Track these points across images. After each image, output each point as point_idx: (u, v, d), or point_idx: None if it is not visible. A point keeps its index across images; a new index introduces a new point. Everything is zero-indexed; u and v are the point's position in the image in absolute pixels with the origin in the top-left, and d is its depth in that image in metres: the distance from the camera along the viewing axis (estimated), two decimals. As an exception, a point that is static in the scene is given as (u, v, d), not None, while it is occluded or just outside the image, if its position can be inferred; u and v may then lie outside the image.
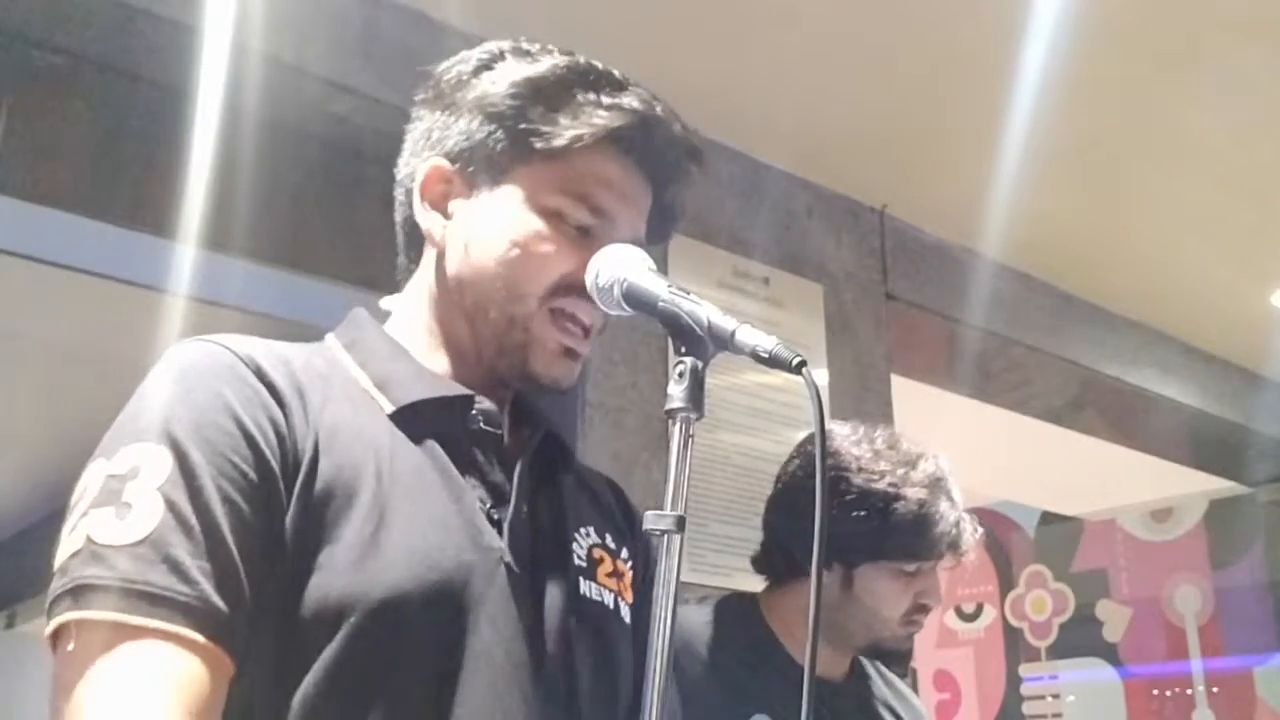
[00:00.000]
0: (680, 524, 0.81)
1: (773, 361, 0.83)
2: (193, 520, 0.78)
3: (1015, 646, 5.16)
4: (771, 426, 2.48)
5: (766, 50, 2.30)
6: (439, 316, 0.99)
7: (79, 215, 1.93)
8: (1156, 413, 3.68)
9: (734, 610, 1.54)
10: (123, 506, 0.77)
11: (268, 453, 0.83)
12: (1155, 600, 4.80)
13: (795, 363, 0.82)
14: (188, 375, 0.84)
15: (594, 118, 0.94)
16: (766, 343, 0.84)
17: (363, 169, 2.10)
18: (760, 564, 1.58)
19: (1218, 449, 3.99)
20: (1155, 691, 4.75)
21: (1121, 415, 3.62)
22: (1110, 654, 4.87)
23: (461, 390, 0.95)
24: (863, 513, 1.43)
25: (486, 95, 0.96)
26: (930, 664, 5.28)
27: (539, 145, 0.94)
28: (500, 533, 0.91)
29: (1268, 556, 4.52)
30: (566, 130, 0.93)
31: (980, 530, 1.53)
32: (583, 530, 1.00)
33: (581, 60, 0.98)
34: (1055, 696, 5.00)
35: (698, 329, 0.86)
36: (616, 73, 0.98)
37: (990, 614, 5.27)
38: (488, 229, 0.95)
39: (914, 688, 1.85)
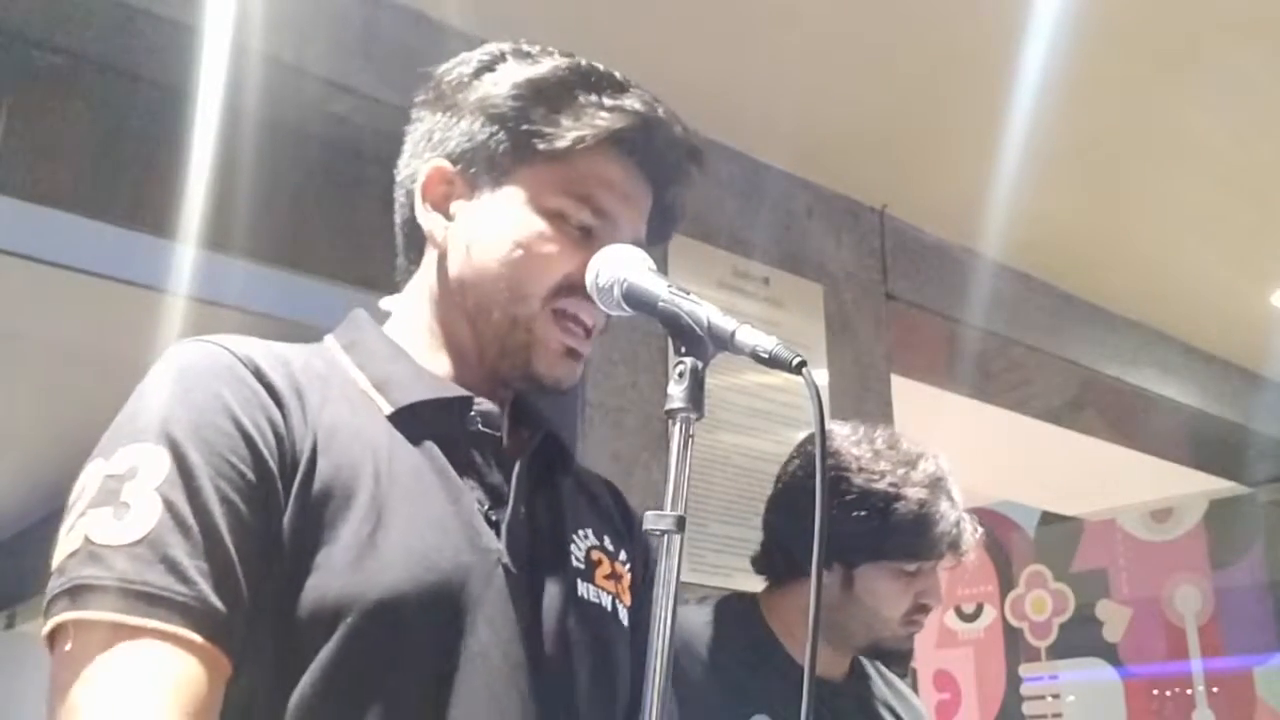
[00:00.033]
0: (680, 524, 0.81)
1: (773, 362, 0.83)
2: (191, 520, 0.78)
3: (1015, 646, 5.16)
4: (771, 426, 2.48)
5: (766, 50, 2.30)
6: (440, 317, 0.99)
7: (79, 215, 1.93)
8: (1156, 413, 3.68)
9: (734, 610, 1.54)
10: (121, 507, 0.78)
11: (266, 453, 0.83)
12: (1155, 600, 4.80)
13: (795, 363, 0.82)
14: (186, 376, 0.84)
15: (596, 119, 0.94)
16: (766, 343, 0.84)
17: (363, 169, 2.10)
18: (760, 564, 1.58)
19: (1218, 449, 3.99)
20: (1155, 691, 4.75)
21: (1121, 415, 3.62)
22: (1110, 654, 4.87)
23: (460, 392, 0.95)
24: (863, 513, 1.43)
25: (488, 96, 0.96)
26: (930, 664, 5.28)
27: (541, 146, 0.94)
28: (498, 534, 0.91)
29: (1268, 556, 4.52)
30: (569, 131, 0.93)
31: (980, 530, 1.53)
32: (581, 532, 1.00)
33: (583, 62, 0.98)
34: (1055, 696, 5.00)
35: (698, 329, 0.86)
36: (617, 74, 0.98)
37: (990, 614, 5.27)
38: (490, 230, 0.95)
39: (914, 688, 1.85)
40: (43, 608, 0.78)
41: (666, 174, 1.01)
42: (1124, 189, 2.83)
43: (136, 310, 2.01)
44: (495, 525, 0.91)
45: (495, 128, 0.95)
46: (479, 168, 0.97)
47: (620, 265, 0.92)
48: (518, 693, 0.86)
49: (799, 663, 1.47)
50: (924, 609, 1.50)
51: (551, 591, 0.92)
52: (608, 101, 0.95)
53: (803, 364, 0.82)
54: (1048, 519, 5.10)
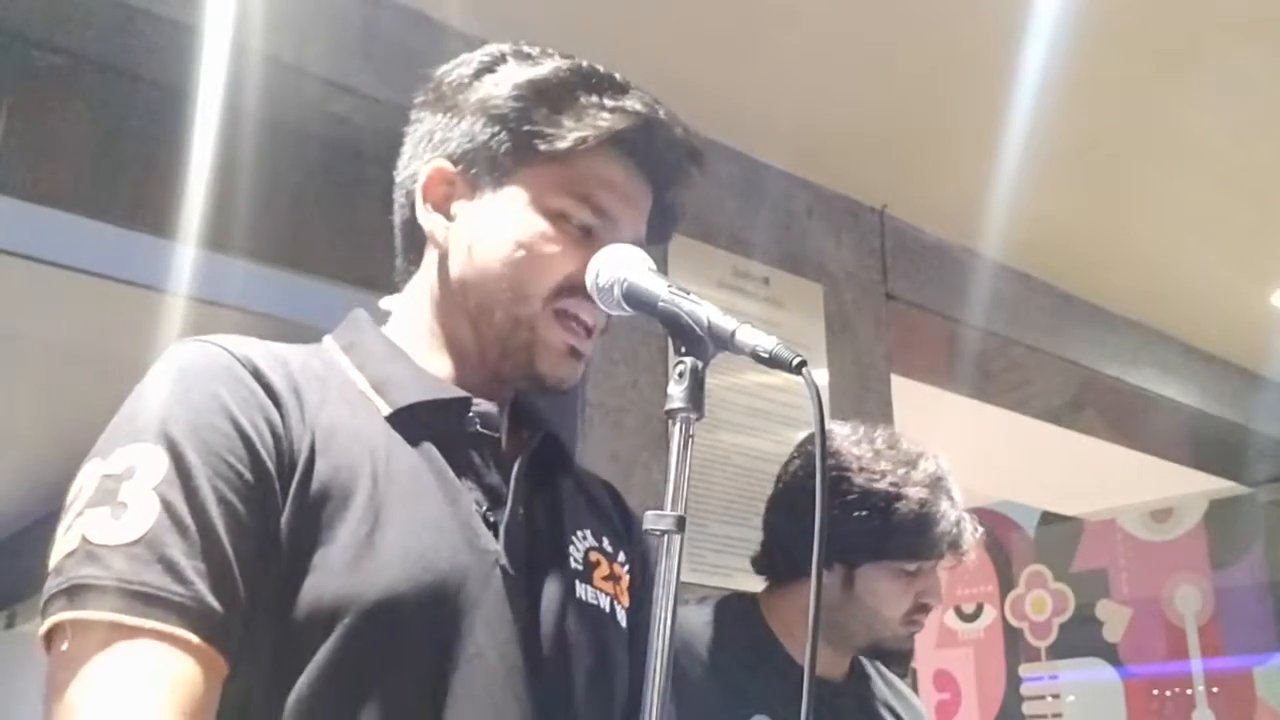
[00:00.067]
0: (680, 524, 0.81)
1: (773, 361, 0.83)
2: (188, 520, 0.78)
3: (1015, 646, 5.16)
4: (771, 426, 2.48)
5: (766, 50, 2.30)
6: (440, 318, 0.99)
7: (79, 215, 1.93)
8: (1156, 413, 3.68)
9: (734, 611, 1.54)
10: (118, 506, 0.78)
11: (263, 453, 0.83)
12: (1155, 600, 4.80)
13: (795, 363, 0.82)
14: (184, 376, 0.84)
15: (598, 120, 0.94)
16: (766, 343, 0.84)
17: (363, 169, 2.10)
18: (760, 564, 1.58)
19: (1218, 449, 3.99)
20: (1155, 691, 4.75)
21: (1121, 415, 3.62)
22: (1110, 654, 4.87)
23: (458, 393, 0.95)
24: (864, 512, 1.43)
25: (489, 97, 0.96)
26: (930, 664, 5.28)
27: (543, 147, 0.94)
28: (496, 535, 0.91)
29: (1268, 556, 4.52)
30: (570, 132, 0.94)
31: (980, 530, 1.53)
32: (580, 533, 1.00)
33: (583, 63, 0.98)
34: (1055, 696, 5.00)
35: (698, 329, 0.86)
36: (618, 76, 0.98)
37: (990, 614, 5.27)
38: (492, 230, 0.95)
39: (914, 688, 1.85)
40: (39, 607, 0.78)
41: (667, 175, 1.01)
42: (1124, 189, 2.83)
43: (136, 310, 2.01)
44: (493, 526, 0.91)
45: (496, 128, 0.95)
46: (480, 168, 0.96)
47: (620, 265, 0.92)
48: (514, 694, 0.86)
49: (799, 663, 1.47)
50: (924, 609, 1.50)
51: (549, 593, 0.92)
52: (609, 102, 0.95)
53: (803, 364, 0.82)
54: (1048, 519, 5.10)
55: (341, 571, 0.82)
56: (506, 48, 1.00)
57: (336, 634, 0.81)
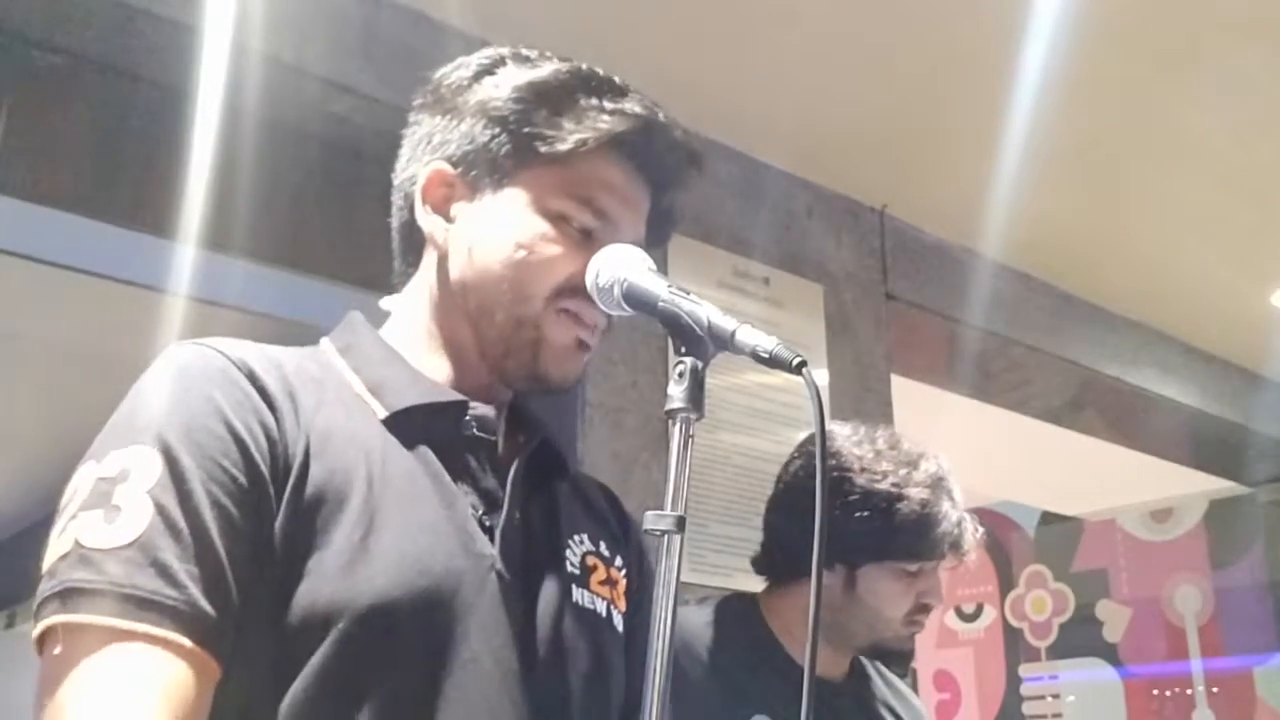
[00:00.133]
0: (680, 524, 0.81)
1: (773, 362, 0.83)
2: (181, 524, 0.78)
3: (1015, 646, 5.16)
4: (771, 426, 2.48)
5: (766, 50, 2.30)
6: (438, 320, 0.98)
7: (79, 215, 1.93)
8: (1156, 413, 3.68)
9: (734, 611, 1.54)
10: (112, 510, 0.77)
11: (258, 457, 0.82)
12: (1155, 600, 4.80)
13: (795, 363, 0.82)
14: (179, 379, 0.84)
15: (598, 122, 0.94)
16: (766, 343, 0.84)
17: (363, 169, 2.10)
18: (760, 564, 1.58)
19: (1218, 449, 3.99)
20: (1155, 691, 4.75)
21: (1121, 415, 3.62)
22: (1110, 654, 4.87)
23: (455, 396, 0.95)
24: (866, 513, 1.43)
25: (489, 99, 0.96)
26: (930, 664, 5.28)
27: (543, 149, 0.94)
28: (492, 540, 0.90)
29: (1268, 556, 4.52)
30: (571, 134, 0.93)
31: (980, 530, 1.53)
32: (576, 537, 1.00)
33: (583, 66, 0.98)
34: (1055, 696, 5.00)
35: (698, 329, 0.86)
36: (617, 78, 0.98)
37: (990, 614, 5.27)
38: (492, 232, 0.95)
39: (914, 688, 1.85)
40: (33, 610, 0.78)
41: (666, 177, 1.01)
42: (1124, 189, 2.83)
43: (136, 310, 2.01)
44: (489, 531, 0.91)
45: (496, 130, 0.95)
46: (480, 170, 0.96)
47: (620, 265, 0.92)
48: (509, 699, 0.86)
49: (799, 663, 1.47)
50: (926, 609, 1.50)
51: (545, 597, 0.92)
52: (609, 105, 0.95)
53: (803, 364, 0.82)
54: (1048, 519, 5.10)
55: (335, 576, 0.82)
56: (505, 50, 1.00)
57: (330, 639, 0.80)
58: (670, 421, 0.85)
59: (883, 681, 1.61)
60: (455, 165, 0.97)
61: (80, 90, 1.92)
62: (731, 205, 2.61)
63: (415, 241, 1.01)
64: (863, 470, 1.46)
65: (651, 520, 0.81)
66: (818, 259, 2.76)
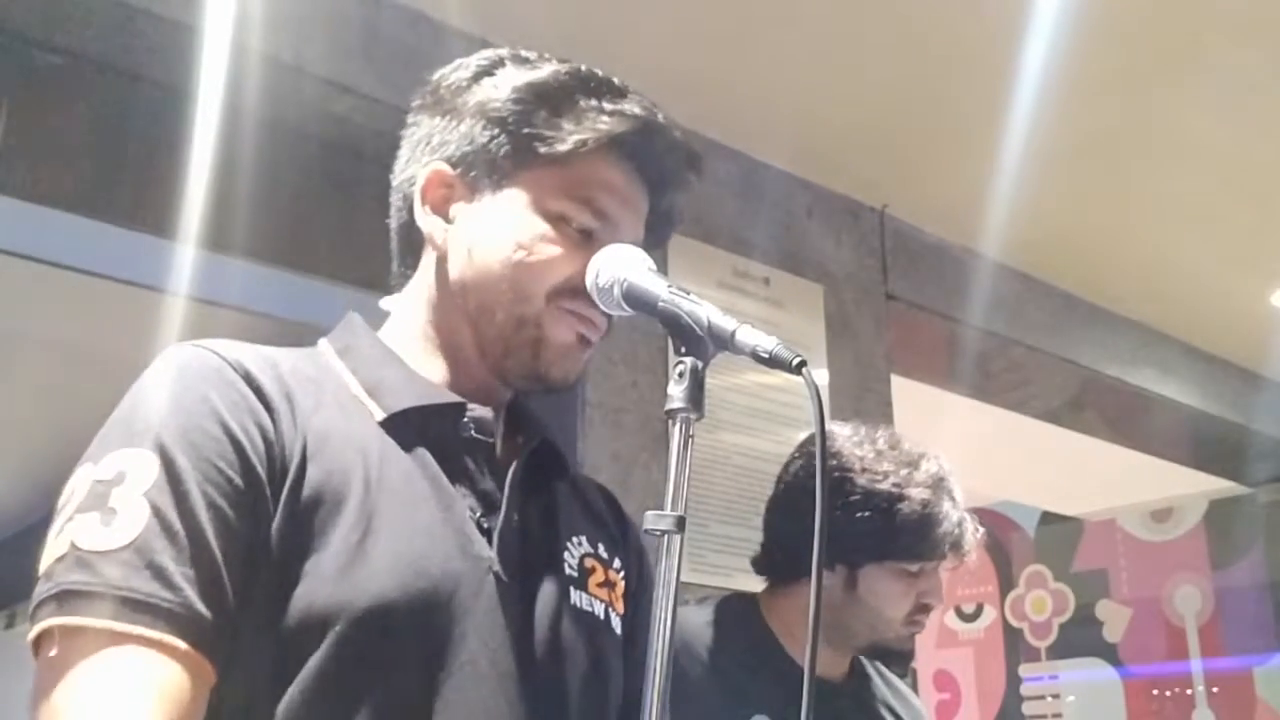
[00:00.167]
0: (680, 524, 0.81)
1: (773, 362, 0.83)
2: (178, 526, 0.78)
3: (1015, 646, 5.16)
4: (771, 426, 2.48)
5: (766, 50, 2.30)
6: (437, 321, 0.98)
7: (79, 215, 1.93)
8: (1156, 413, 3.68)
9: (734, 611, 1.54)
10: (108, 512, 0.77)
11: (254, 459, 0.82)
12: (1155, 600, 4.80)
13: (795, 363, 0.82)
14: (176, 381, 0.84)
15: (598, 123, 0.94)
16: (766, 343, 0.84)
17: (363, 169, 2.10)
18: (761, 565, 1.58)
19: (1218, 449, 4.00)
20: (1155, 691, 4.75)
21: (1121, 415, 3.62)
22: (1110, 654, 4.87)
23: (453, 398, 0.95)
24: (867, 513, 1.43)
25: (488, 100, 0.96)
26: (930, 664, 5.28)
27: (543, 150, 0.94)
28: (490, 542, 0.90)
29: (1268, 556, 4.52)
30: (570, 135, 0.93)
31: (981, 530, 1.53)
32: (575, 539, 1.00)
33: (582, 67, 0.98)
34: (1055, 696, 5.00)
35: (698, 329, 0.86)
36: (616, 80, 0.98)
37: (990, 614, 5.27)
38: (492, 232, 0.95)
39: (914, 688, 1.85)
40: (29, 612, 0.78)
41: (665, 179, 1.01)
42: (1124, 189, 2.83)
43: (136, 310, 2.01)
44: (487, 533, 0.91)
45: (496, 131, 0.95)
46: (479, 171, 0.96)
47: (620, 265, 0.92)
48: (506, 702, 0.86)
49: (799, 663, 1.47)
50: (926, 609, 1.50)
51: (543, 599, 0.92)
52: (608, 106, 0.95)
53: (803, 364, 0.82)
54: (1048, 519, 5.10)
55: (332, 579, 0.81)
56: (504, 51, 1.00)
57: (328, 642, 0.80)
58: (670, 421, 0.85)
59: (883, 681, 1.61)
60: (454, 166, 0.97)
61: (80, 90, 1.92)
62: (731, 205, 2.61)
63: (414, 242, 1.01)
64: (864, 470, 1.46)
65: (651, 520, 0.81)
66: (818, 259, 2.76)
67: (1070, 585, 5.05)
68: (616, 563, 1.03)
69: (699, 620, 1.51)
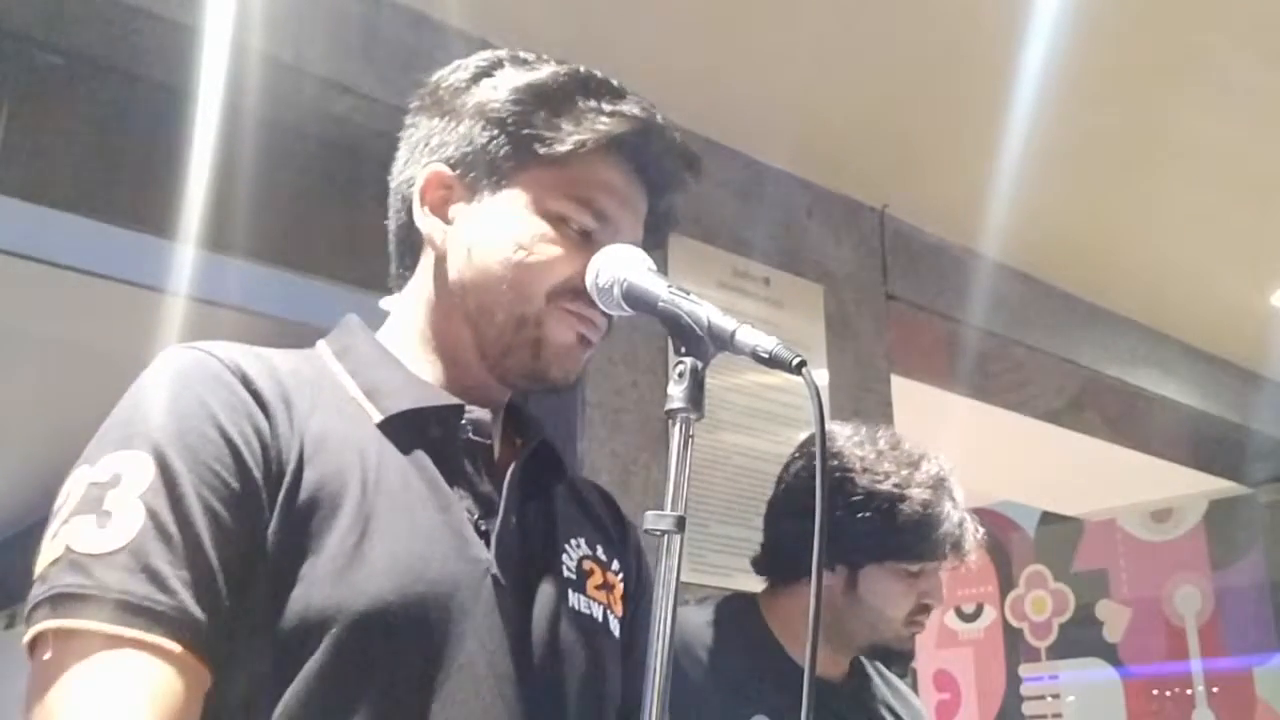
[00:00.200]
0: (680, 524, 0.81)
1: (773, 362, 0.83)
2: (173, 529, 0.77)
3: (1015, 646, 5.16)
4: (771, 426, 2.48)
5: (767, 50, 2.30)
6: (436, 322, 0.98)
7: (79, 215, 1.93)
8: (1156, 413, 3.68)
9: (734, 611, 1.54)
10: (103, 515, 0.77)
11: (251, 461, 0.82)
12: (1155, 600, 4.80)
13: (795, 363, 0.82)
14: (173, 383, 0.84)
15: (597, 124, 0.94)
16: (766, 343, 0.84)
17: (363, 169, 2.10)
18: (761, 565, 1.58)
19: (1218, 449, 4.00)
20: (1155, 691, 4.75)
21: (1121, 415, 3.62)
22: (1110, 654, 4.87)
23: (451, 400, 0.95)
24: (868, 514, 1.43)
25: (488, 101, 0.96)
26: (930, 664, 5.28)
27: (542, 150, 0.94)
28: (488, 544, 0.90)
29: (1268, 556, 4.52)
30: (570, 136, 0.93)
31: (981, 530, 1.53)
32: (573, 541, 0.99)
33: (580, 68, 0.98)
34: (1055, 696, 5.00)
35: (698, 329, 0.86)
36: (615, 80, 0.98)
37: (990, 614, 5.27)
38: (491, 233, 0.95)
39: (914, 688, 1.85)
40: (25, 615, 0.77)
41: (664, 180, 1.01)
42: (1124, 189, 2.83)
43: (136, 310, 2.01)
44: (485, 535, 0.90)
45: (495, 132, 0.95)
46: (478, 172, 0.96)
47: (620, 265, 0.91)
48: (504, 704, 0.86)
49: (799, 663, 1.47)
50: (926, 609, 1.50)
51: (541, 602, 0.92)
52: (607, 107, 0.95)
53: (803, 364, 0.82)
54: (1048, 519, 5.10)
55: (329, 581, 0.81)
56: (503, 53, 1.00)
57: (324, 645, 0.80)
58: (670, 421, 0.84)
59: (883, 681, 1.61)
60: (453, 167, 0.97)
61: (80, 90, 1.92)
62: (731, 205, 2.61)
63: (413, 243, 1.00)
64: (864, 471, 1.46)
65: (651, 520, 0.81)
66: (818, 259, 2.76)
67: (1070, 585, 5.05)
68: (615, 565, 1.03)
69: (699, 620, 1.51)
